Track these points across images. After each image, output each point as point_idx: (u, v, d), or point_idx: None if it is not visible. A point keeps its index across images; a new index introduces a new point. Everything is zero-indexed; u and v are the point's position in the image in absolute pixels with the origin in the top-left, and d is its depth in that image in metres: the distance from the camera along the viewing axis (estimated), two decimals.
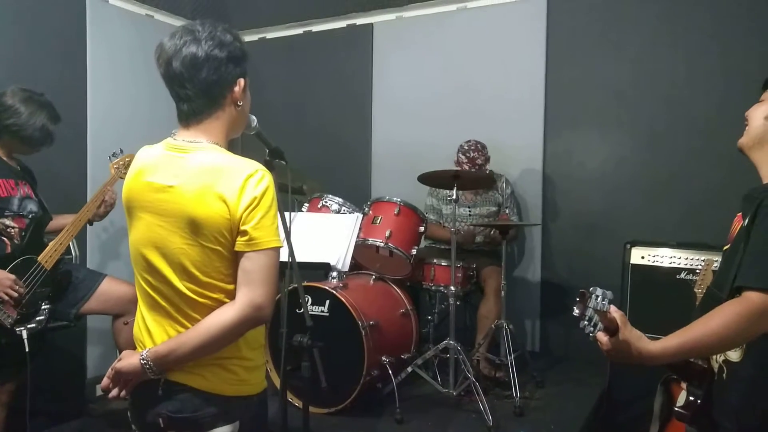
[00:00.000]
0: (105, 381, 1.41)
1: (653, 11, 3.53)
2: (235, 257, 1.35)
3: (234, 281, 1.36)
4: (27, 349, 2.32)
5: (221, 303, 1.36)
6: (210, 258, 1.34)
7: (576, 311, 1.28)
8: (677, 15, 3.47)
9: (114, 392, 1.40)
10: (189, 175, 1.35)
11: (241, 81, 1.43)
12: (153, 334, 1.40)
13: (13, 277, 2.33)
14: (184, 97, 1.38)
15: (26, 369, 2.35)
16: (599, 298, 1.25)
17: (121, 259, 3.76)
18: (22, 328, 2.34)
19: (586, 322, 1.28)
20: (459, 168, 3.52)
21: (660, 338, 1.34)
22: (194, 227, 1.33)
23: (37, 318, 2.42)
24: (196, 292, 1.36)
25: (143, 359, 1.35)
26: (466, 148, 3.56)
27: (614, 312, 1.28)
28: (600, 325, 1.28)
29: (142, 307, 1.46)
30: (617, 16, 3.63)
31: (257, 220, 1.32)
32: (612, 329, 1.30)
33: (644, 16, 3.56)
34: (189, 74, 1.35)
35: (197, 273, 1.35)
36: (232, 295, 1.36)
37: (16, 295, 2.31)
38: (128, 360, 1.38)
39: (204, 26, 1.38)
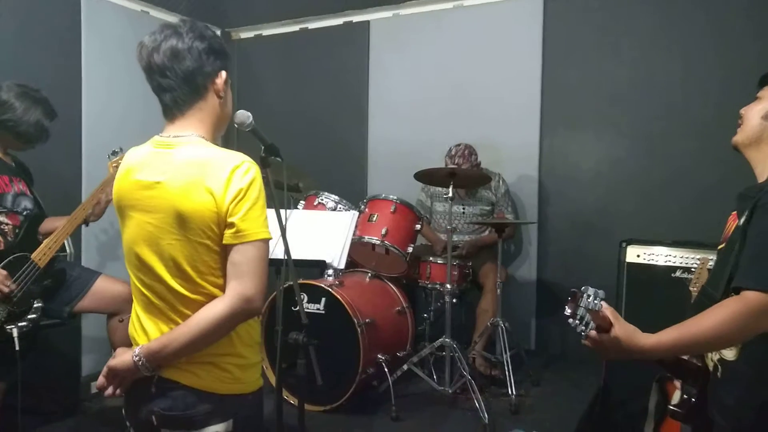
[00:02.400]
0: (100, 380, 1.41)
1: (649, 11, 3.54)
2: (224, 251, 1.34)
3: (224, 275, 1.35)
4: (17, 348, 2.30)
5: (213, 298, 1.35)
6: (199, 252, 1.34)
7: (567, 311, 1.27)
8: (674, 15, 3.47)
9: (109, 390, 1.39)
10: (175, 170, 1.35)
11: (223, 73, 1.43)
12: (148, 333, 1.40)
13: (4, 272, 2.31)
14: (167, 87, 1.38)
15: (17, 368, 2.34)
16: (591, 298, 1.25)
17: (118, 259, 3.73)
18: (13, 326, 2.32)
19: (577, 322, 1.27)
20: None
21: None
22: (182, 222, 1.33)
23: (29, 316, 2.40)
24: (188, 288, 1.36)
25: (136, 356, 1.34)
26: (453, 153, 3.55)
27: (605, 309, 1.28)
28: (592, 324, 1.28)
29: (136, 306, 1.45)
30: (613, 16, 3.63)
31: (244, 212, 1.31)
32: (605, 327, 1.29)
33: (641, 16, 3.56)
34: (171, 63, 1.36)
35: (188, 268, 1.34)
36: (224, 290, 1.35)
37: (6, 290, 2.30)
38: (121, 357, 1.38)
39: (185, 23, 1.41)
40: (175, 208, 1.33)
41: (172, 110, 1.41)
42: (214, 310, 1.32)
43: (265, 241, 1.35)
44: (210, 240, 1.33)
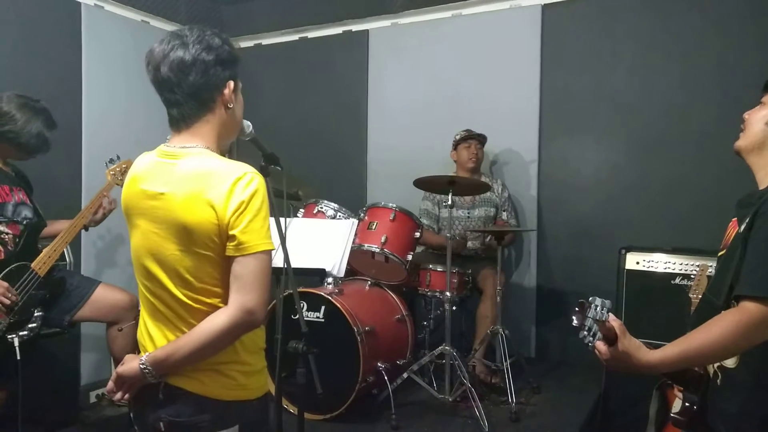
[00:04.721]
0: (110, 385, 1.44)
1: (648, 18, 3.55)
2: (227, 262, 1.34)
3: (227, 286, 1.35)
4: (18, 357, 2.30)
5: (216, 308, 1.36)
6: (202, 263, 1.35)
7: (575, 322, 1.27)
8: (672, 22, 3.49)
9: (118, 395, 1.42)
10: (178, 182, 1.35)
11: (231, 83, 1.42)
12: (154, 339, 1.42)
13: (5, 284, 2.31)
14: (174, 102, 1.38)
15: (18, 377, 2.33)
16: (598, 308, 1.25)
17: (117, 267, 3.74)
18: (14, 335, 2.32)
19: (585, 333, 1.27)
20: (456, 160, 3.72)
21: (655, 343, 1.35)
22: (186, 233, 1.33)
23: (30, 325, 2.40)
24: (192, 297, 1.36)
25: (142, 364, 1.36)
26: (459, 137, 3.68)
27: (613, 321, 1.28)
28: (599, 334, 1.28)
29: (144, 313, 1.47)
30: (612, 23, 3.65)
31: (245, 224, 1.31)
32: (610, 338, 1.29)
33: (639, 23, 3.58)
34: (177, 78, 1.35)
35: (191, 279, 1.35)
36: (227, 300, 1.35)
37: (8, 302, 2.30)
38: (129, 364, 1.39)
39: (192, 31, 1.39)
40: (179, 220, 1.33)
41: (179, 122, 1.41)
42: (216, 322, 1.33)
43: (267, 253, 1.35)
44: (212, 252, 1.34)
